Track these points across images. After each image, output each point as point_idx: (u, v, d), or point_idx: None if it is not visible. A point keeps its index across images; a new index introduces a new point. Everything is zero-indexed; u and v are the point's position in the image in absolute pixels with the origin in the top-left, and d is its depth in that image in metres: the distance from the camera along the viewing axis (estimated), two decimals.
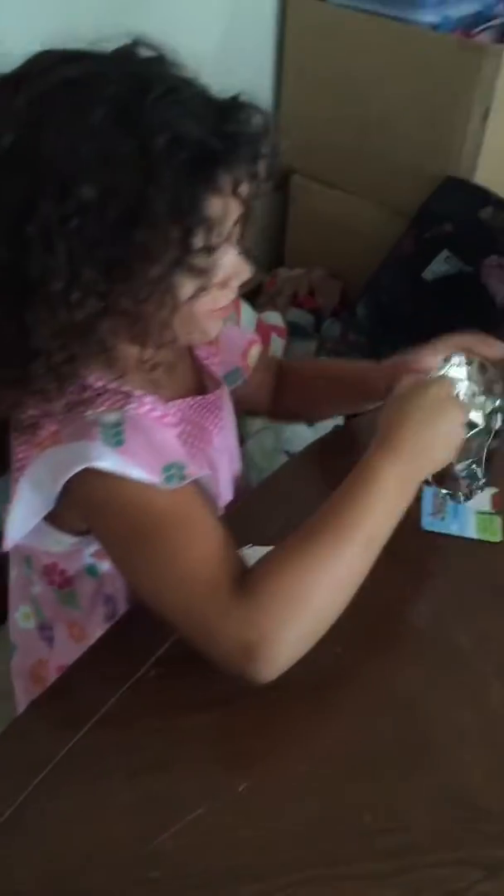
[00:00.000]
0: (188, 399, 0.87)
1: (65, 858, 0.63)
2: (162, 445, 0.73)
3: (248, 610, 0.66)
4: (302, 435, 1.68)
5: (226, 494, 0.97)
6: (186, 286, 0.70)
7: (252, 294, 2.31)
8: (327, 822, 0.65)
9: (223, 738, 0.70)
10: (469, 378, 0.85)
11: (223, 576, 0.68)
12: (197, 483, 0.73)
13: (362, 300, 2.02)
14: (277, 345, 2.02)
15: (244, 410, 1.13)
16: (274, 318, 2.11)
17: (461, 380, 0.84)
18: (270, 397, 1.09)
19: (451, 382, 0.82)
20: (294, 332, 2.14)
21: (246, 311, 1.99)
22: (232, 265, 0.74)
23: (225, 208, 0.68)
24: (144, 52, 0.70)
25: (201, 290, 0.71)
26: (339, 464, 0.76)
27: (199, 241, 0.67)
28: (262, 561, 0.70)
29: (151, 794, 0.67)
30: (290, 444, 1.73)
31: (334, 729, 0.71)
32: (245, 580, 0.68)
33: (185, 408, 0.86)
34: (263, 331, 2.00)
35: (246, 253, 0.76)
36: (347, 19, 1.98)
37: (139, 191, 0.63)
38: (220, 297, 0.76)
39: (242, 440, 1.76)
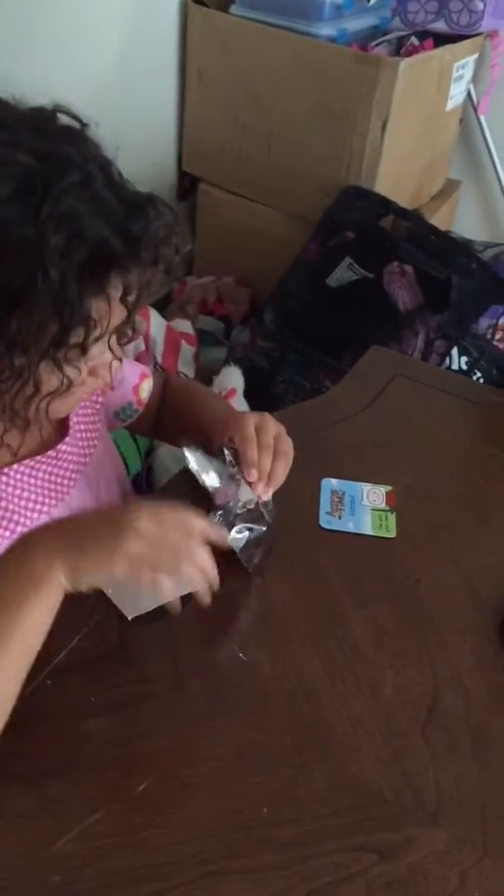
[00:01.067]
0: (36, 458, 0.80)
1: None
2: None
3: None
4: None
5: None
6: (51, 380, 0.67)
7: (161, 302, 2.31)
8: (226, 818, 0.66)
9: (121, 742, 0.70)
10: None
11: None
12: None
13: (269, 306, 2.05)
14: (187, 353, 2.03)
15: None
16: (183, 325, 2.12)
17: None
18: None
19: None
20: (204, 339, 2.15)
21: (155, 319, 1.99)
22: (105, 359, 0.71)
23: (109, 312, 0.66)
24: (63, 120, 0.67)
25: (64, 385, 0.68)
26: None
27: (74, 338, 0.64)
28: None
29: (51, 798, 0.66)
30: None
31: (231, 726, 0.72)
32: None
33: (32, 467, 0.80)
34: (173, 339, 2.01)
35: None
36: (247, 31, 2.01)
37: (26, 278, 0.60)
38: (89, 384, 0.74)
39: (152, 448, 1.76)
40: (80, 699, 0.72)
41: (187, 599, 0.74)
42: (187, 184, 2.36)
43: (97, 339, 0.66)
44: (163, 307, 2.28)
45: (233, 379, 1.88)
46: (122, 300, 0.66)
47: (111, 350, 0.70)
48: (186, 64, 2.16)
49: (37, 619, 0.66)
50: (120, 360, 0.73)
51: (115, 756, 0.69)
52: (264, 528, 0.83)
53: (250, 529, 0.82)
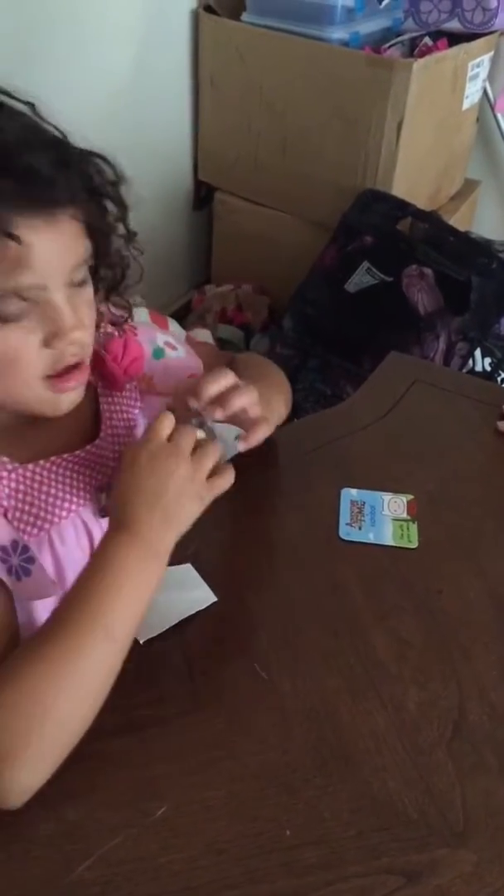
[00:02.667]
0: (62, 456, 0.79)
1: None
2: None
3: None
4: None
5: None
6: None
7: (181, 312, 2.31)
8: (247, 841, 0.65)
9: (140, 764, 0.69)
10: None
11: None
12: None
13: (288, 314, 2.04)
14: None
15: None
16: (203, 335, 2.12)
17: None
18: None
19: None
20: (224, 347, 2.15)
21: (174, 329, 1.99)
22: (46, 322, 0.68)
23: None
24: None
25: None
26: (251, 477, 0.76)
27: None
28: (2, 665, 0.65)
29: (69, 823, 0.65)
30: None
31: (251, 746, 0.71)
32: None
33: (59, 464, 0.79)
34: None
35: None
36: (259, 38, 2.01)
37: None
38: (45, 356, 0.69)
39: None
40: (97, 722, 0.70)
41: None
42: (203, 193, 2.36)
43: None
44: (182, 317, 2.28)
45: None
46: (3, 231, 0.62)
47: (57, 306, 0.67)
48: (199, 72, 2.16)
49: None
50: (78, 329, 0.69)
51: (134, 779, 0.68)
52: None
53: None
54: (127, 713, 0.71)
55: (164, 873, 0.63)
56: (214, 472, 0.75)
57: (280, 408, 0.96)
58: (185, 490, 0.72)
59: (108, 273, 0.78)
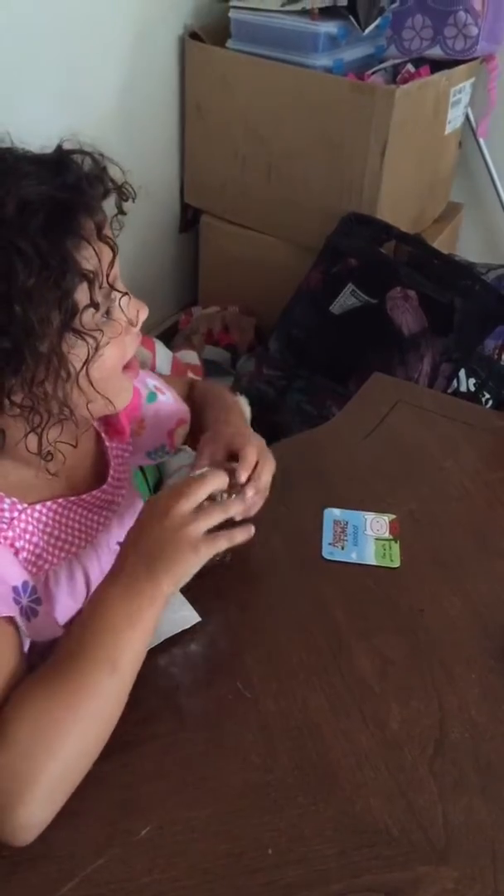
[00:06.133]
0: (66, 499, 0.81)
1: None
2: None
3: None
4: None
5: None
6: (79, 350, 0.68)
7: (167, 333, 2.33)
8: (231, 860, 0.65)
9: (124, 784, 0.69)
10: None
11: None
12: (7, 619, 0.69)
13: (274, 335, 2.06)
14: None
15: None
16: (190, 356, 2.13)
17: None
18: None
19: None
20: (211, 369, 2.16)
21: (161, 350, 2.01)
22: (127, 308, 0.72)
23: (97, 255, 0.67)
24: None
25: (92, 349, 0.68)
26: None
27: (81, 297, 0.65)
28: (7, 704, 0.65)
29: (53, 844, 0.65)
30: None
31: (234, 765, 0.71)
32: None
33: (66, 507, 0.80)
34: (179, 369, 2.01)
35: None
36: (244, 64, 2.04)
37: (3, 266, 0.61)
38: (128, 344, 0.74)
39: (161, 480, 1.76)
40: None
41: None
42: (190, 216, 2.38)
43: (100, 287, 0.67)
44: (169, 338, 2.29)
45: None
46: (101, 237, 0.67)
47: (115, 290, 0.70)
48: (186, 98, 2.19)
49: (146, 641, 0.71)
50: (126, 294, 0.72)
51: (119, 799, 0.69)
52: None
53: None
54: (111, 732, 0.72)
55: (148, 893, 0.63)
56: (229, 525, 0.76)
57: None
58: (180, 544, 0.71)
59: None
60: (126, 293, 0.72)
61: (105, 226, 0.68)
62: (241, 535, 0.77)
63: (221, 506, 0.76)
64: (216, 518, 0.74)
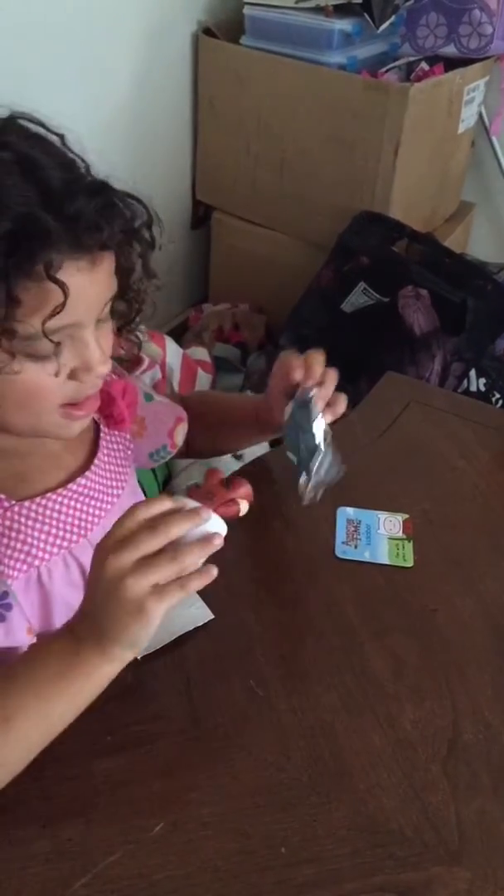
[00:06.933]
0: (57, 492, 0.79)
1: None
2: None
3: None
4: (230, 467, 1.69)
5: None
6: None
7: (178, 330, 2.33)
8: (243, 858, 0.65)
9: (137, 781, 0.69)
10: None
11: None
12: None
13: (285, 333, 2.05)
14: (204, 380, 2.04)
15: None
16: (200, 353, 2.13)
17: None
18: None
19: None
20: (221, 366, 2.16)
21: (171, 347, 2.01)
22: (76, 357, 0.69)
23: (40, 296, 0.62)
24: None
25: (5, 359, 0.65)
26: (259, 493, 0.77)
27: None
28: None
29: (66, 840, 0.66)
30: None
31: (247, 764, 0.71)
32: None
33: (53, 500, 0.79)
34: (189, 366, 2.01)
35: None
36: (258, 61, 2.04)
37: None
38: (68, 385, 0.70)
39: (170, 477, 1.76)
40: (95, 739, 0.71)
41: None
42: (201, 213, 2.38)
43: (22, 322, 0.63)
44: (179, 335, 2.29)
45: None
46: (51, 278, 0.61)
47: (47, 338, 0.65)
48: (199, 94, 2.19)
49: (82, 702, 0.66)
50: (103, 365, 0.69)
51: (131, 796, 0.69)
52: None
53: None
54: (124, 730, 0.72)
55: (160, 890, 0.63)
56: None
57: None
58: (121, 603, 0.62)
59: (123, 307, 0.78)
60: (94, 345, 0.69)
61: (73, 273, 0.63)
62: (198, 583, 0.65)
63: (177, 570, 0.64)
64: (165, 571, 0.63)
